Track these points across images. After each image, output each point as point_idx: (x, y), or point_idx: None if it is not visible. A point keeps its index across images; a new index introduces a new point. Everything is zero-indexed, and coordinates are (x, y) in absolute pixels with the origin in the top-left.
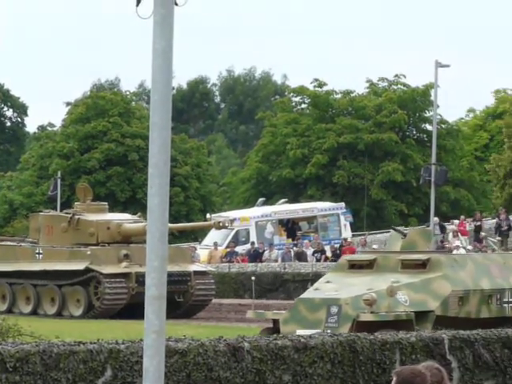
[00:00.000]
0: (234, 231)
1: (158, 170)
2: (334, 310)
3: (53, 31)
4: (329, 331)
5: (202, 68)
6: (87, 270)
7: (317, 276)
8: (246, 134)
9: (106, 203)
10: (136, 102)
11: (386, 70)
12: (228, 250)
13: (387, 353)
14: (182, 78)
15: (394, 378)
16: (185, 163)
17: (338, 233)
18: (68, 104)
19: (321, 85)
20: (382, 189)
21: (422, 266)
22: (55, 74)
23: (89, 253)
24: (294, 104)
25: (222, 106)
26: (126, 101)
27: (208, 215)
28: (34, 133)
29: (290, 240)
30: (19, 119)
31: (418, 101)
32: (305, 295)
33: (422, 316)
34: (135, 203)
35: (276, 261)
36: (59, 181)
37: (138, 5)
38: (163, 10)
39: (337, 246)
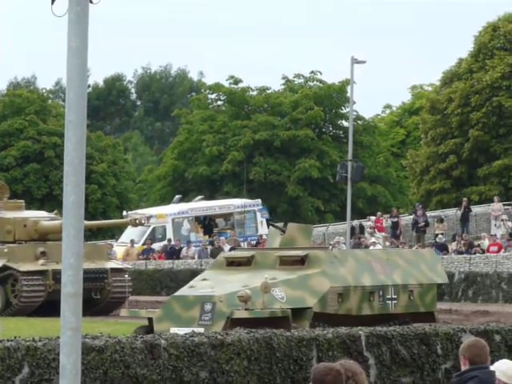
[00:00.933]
0: (150, 228)
1: (74, 167)
2: (208, 307)
3: None
4: (202, 329)
5: (118, 65)
6: (4, 268)
7: None
8: (162, 130)
9: (23, 201)
10: (52, 99)
11: (302, 67)
12: (145, 247)
13: (304, 349)
14: (98, 75)
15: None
16: (101, 160)
17: (255, 229)
18: None
19: (236, 82)
20: (299, 185)
21: (301, 262)
22: None
23: (6, 250)
24: (209, 101)
25: (138, 103)
26: (43, 99)
27: (124, 212)
28: None
29: (206, 237)
30: None
31: (334, 97)
32: (178, 293)
33: (299, 313)
34: (52, 200)
35: (193, 258)
36: None
37: (52, 3)
38: (78, 8)
39: (253, 242)
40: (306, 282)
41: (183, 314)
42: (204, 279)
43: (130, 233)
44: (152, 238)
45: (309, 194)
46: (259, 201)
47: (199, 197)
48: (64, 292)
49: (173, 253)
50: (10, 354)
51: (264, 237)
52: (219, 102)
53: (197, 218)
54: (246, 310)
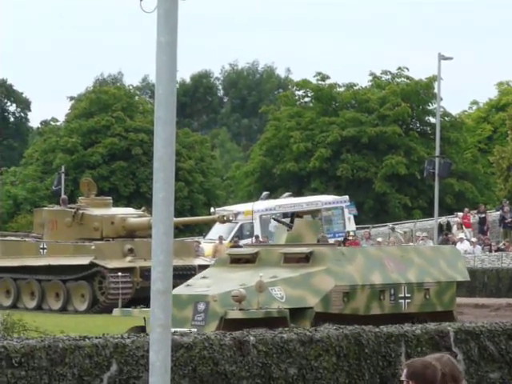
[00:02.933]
0: (238, 225)
1: (163, 164)
2: (201, 307)
3: (56, 26)
4: (195, 330)
5: (206, 62)
6: (92, 265)
7: None
8: (250, 127)
9: (110, 198)
10: (139, 96)
11: (389, 63)
12: (232, 243)
13: (392, 345)
14: (185, 72)
15: (405, 370)
16: (188, 157)
17: (342, 226)
18: (71, 99)
19: (324, 78)
20: (386, 182)
21: (305, 259)
22: (58, 69)
23: (93, 247)
24: (297, 97)
25: (225, 99)
26: (130, 95)
27: (212, 209)
28: (38, 128)
29: None
30: (22, 114)
31: (421, 93)
32: (172, 291)
33: (299, 313)
34: (139, 197)
35: None
36: (63, 175)
37: None
38: (167, 4)
39: (341, 239)
40: (309, 280)
41: (176, 314)
42: (204, 277)
43: (217, 229)
44: (239, 234)
45: (396, 190)
46: (347, 197)
47: (287, 193)
48: (153, 289)
49: None
50: (98, 351)
51: (351, 233)
52: (306, 99)
53: (284, 215)
54: (240, 310)
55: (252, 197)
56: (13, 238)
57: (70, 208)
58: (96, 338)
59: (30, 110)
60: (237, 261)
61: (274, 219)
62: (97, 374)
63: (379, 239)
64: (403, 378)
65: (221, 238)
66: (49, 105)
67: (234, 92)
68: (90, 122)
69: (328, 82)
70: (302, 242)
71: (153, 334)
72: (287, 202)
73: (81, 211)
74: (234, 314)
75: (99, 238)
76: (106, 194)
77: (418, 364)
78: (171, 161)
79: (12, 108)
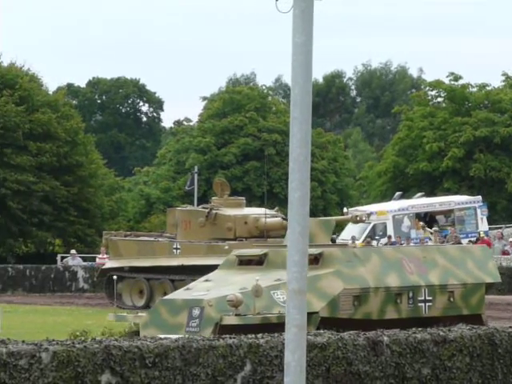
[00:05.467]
0: (371, 225)
1: (299, 164)
2: (196, 312)
3: (189, 26)
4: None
5: (338, 62)
6: None
7: None
8: (383, 127)
9: (243, 198)
10: (272, 96)
11: None
12: (365, 243)
13: None
14: (318, 72)
15: None
16: (321, 157)
17: (475, 226)
18: (204, 99)
19: (456, 78)
20: None
21: (315, 261)
22: (191, 69)
23: (226, 247)
24: (430, 98)
25: (358, 99)
26: (263, 95)
27: (345, 209)
28: (170, 128)
29: (427, 234)
30: (155, 114)
31: None
32: (168, 296)
33: None
34: (272, 198)
35: None
36: (196, 175)
37: None
38: (303, 4)
39: (473, 239)
40: (315, 283)
41: (170, 320)
42: (207, 280)
43: (350, 230)
44: (372, 235)
45: None
46: (479, 197)
47: (420, 193)
48: (289, 289)
49: None
50: (232, 352)
51: (481, 234)
52: (439, 99)
53: (417, 215)
54: (236, 315)
55: (385, 197)
56: (146, 238)
57: (204, 208)
58: (230, 338)
59: (162, 110)
60: (245, 262)
61: (282, 218)
62: (230, 374)
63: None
64: None
65: (353, 238)
66: (181, 105)
67: (367, 92)
68: (223, 122)
69: (461, 82)
70: (314, 243)
71: (288, 334)
72: (420, 202)
73: (214, 211)
74: (230, 319)
75: (232, 238)
76: (239, 194)
77: None
78: (307, 161)
79: (145, 108)
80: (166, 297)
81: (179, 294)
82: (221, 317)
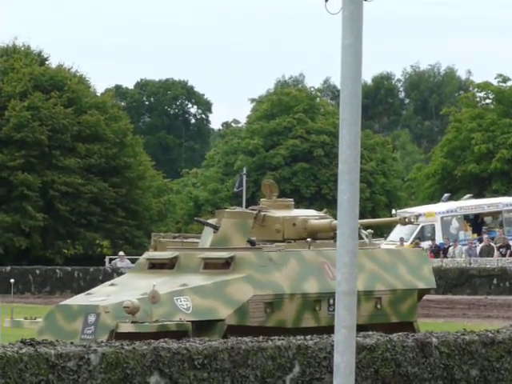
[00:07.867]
0: (419, 227)
1: (348, 165)
2: (92, 318)
3: (237, 28)
4: (85, 343)
5: (387, 64)
6: None
7: (502, 271)
8: (431, 129)
9: (292, 199)
10: (321, 98)
11: None
12: (413, 245)
13: None
14: (366, 73)
15: None
16: (370, 159)
17: None
18: (252, 100)
19: (505, 80)
20: None
21: (226, 265)
22: (239, 71)
23: None
24: (478, 99)
25: (407, 101)
26: (311, 97)
27: (393, 211)
28: (219, 129)
29: (475, 235)
30: (203, 116)
31: None
32: (65, 301)
33: (207, 326)
34: (320, 199)
35: (460, 256)
36: (245, 177)
37: (327, 0)
38: (352, 6)
39: None
40: (223, 289)
41: (66, 327)
42: (112, 284)
43: (398, 231)
44: (421, 236)
45: None
46: None
47: (468, 195)
48: (339, 290)
49: (438, 251)
50: (280, 353)
51: None
52: (487, 101)
53: (465, 217)
54: (133, 322)
55: (433, 198)
56: (194, 240)
57: (252, 210)
58: (279, 339)
59: (211, 112)
60: (156, 266)
61: (196, 220)
62: (279, 375)
63: None
64: None
65: (402, 240)
66: (229, 106)
67: (416, 94)
68: (272, 123)
69: (509, 83)
70: (229, 246)
71: (337, 335)
72: (468, 203)
73: (262, 213)
74: (125, 327)
75: (281, 239)
76: (288, 195)
77: None
78: (356, 163)
79: (193, 110)
80: (62, 302)
81: (77, 300)
82: (117, 324)
